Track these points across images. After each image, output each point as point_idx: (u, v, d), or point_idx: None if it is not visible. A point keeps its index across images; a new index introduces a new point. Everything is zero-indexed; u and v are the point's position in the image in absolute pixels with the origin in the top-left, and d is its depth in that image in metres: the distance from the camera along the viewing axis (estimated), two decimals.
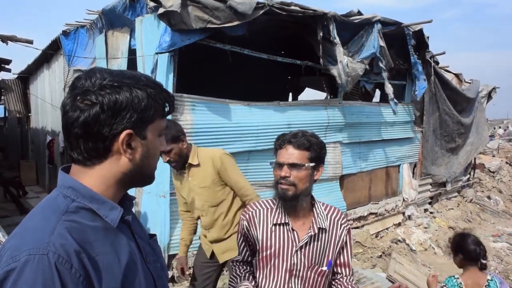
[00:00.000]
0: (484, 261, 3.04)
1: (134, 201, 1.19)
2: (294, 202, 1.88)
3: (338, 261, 2.01)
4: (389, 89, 6.94)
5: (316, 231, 1.90)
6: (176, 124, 2.91)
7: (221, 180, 2.91)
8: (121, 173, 1.04)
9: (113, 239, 1.01)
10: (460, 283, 3.01)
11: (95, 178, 1.02)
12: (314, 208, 1.96)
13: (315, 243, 1.91)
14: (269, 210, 1.99)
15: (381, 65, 6.71)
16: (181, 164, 2.90)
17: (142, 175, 1.09)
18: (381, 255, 6.67)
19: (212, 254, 3.07)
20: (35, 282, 0.83)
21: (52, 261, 0.85)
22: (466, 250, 3.06)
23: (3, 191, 10.32)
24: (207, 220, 2.99)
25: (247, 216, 2.03)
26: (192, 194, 2.98)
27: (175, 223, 4.97)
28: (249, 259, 2.07)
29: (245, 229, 2.02)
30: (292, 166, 1.85)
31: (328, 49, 6.18)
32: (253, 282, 2.00)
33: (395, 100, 7.04)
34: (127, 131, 0.99)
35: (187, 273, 3.20)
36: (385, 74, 6.85)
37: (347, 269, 2.01)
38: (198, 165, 2.89)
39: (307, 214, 1.95)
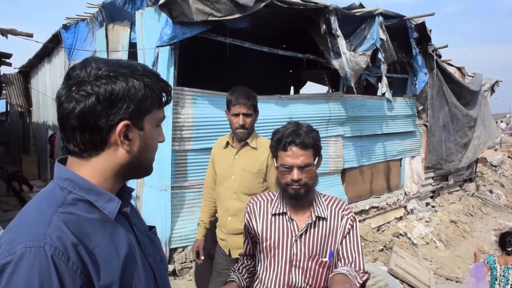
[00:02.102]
0: (509, 249, 4.50)
1: (135, 195, 1.18)
2: (306, 198, 1.88)
3: (341, 254, 1.92)
4: (385, 85, 6.90)
5: (314, 219, 1.89)
6: (255, 95, 2.84)
7: (265, 175, 2.81)
8: (119, 164, 1.02)
9: (111, 231, 1.00)
10: (495, 260, 4.55)
11: (92, 170, 1.00)
12: (313, 198, 1.96)
13: (314, 232, 1.89)
14: (269, 201, 2.00)
15: (380, 57, 6.66)
16: (246, 137, 2.81)
17: (140, 166, 1.08)
18: (382, 249, 6.67)
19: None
20: (31, 275, 0.82)
21: (49, 254, 0.84)
22: (500, 241, 4.65)
23: (6, 185, 10.34)
24: (235, 205, 2.82)
25: (248, 208, 2.05)
26: (230, 172, 2.85)
27: (176, 216, 4.97)
28: (251, 252, 2.09)
29: (246, 221, 2.04)
30: (303, 167, 1.81)
31: (330, 42, 6.15)
32: (246, 275, 2.03)
33: (391, 99, 6.99)
34: (124, 122, 0.98)
35: (202, 257, 3.06)
36: (383, 67, 6.81)
37: (352, 263, 1.90)
38: (254, 148, 2.81)
39: (306, 204, 1.94)
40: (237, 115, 2.75)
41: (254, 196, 2.09)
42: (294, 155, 1.81)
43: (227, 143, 2.92)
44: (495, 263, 4.49)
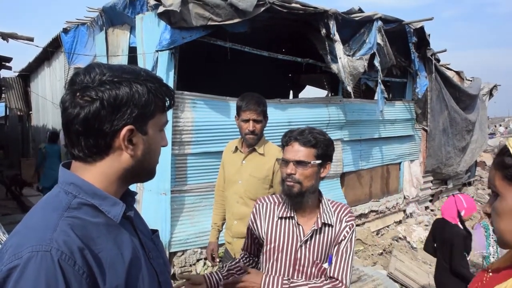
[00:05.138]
0: None
1: (135, 198, 1.19)
2: (299, 199, 1.87)
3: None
4: (380, 90, 6.92)
5: (320, 225, 1.88)
6: (265, 101, 2.89)
7: (271, 182, 2.84)
8: (123, 169, 1.03)
9: (116, 235, 1.00)
10: (487, 224, 5.38)
11: (96, 174, 1.01)
12: (320, 204, 1.95)
13: (319, 238, 1.89)
14: (276, 204, 2.01)
15: (376, 63, 6.68)
16: (255, 142, 2.84)
17: (143, 170, 1.09)
18: (382, 253, 6.67)
19: None
20: (38, 279, 0.83)
21: (55, 258, 0.85)
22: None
23: (6, 189, 10.34)
24: (241, 209, 2.86)
25: (254, 209, 2.05)
26: (237, 177, 2.89)
27: (176, 220, 4.97)
28: (250, 249, 2.12)
29: (251, 222, 2.05)
30: (298, 163, 1.84)
31: (330, 46, 6.18)
32: (246, 262, 2.06)
33: (381, 107, 6.98)
34: (128, 127, 0.99)
35: (217, 260, 3.09)
36: (379, 73, 6.82)
37: (335, 272, 1.85)
38: (262, 154, 2.84)
39: (313, 210, 1.94)
40: (247, 121, 2.79)
41: (261, 197, 2.09)
42: (293, 150, 1.87)
43: (236, 148, 2.95)
44: (488, 225, 5.59)
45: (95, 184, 1.00)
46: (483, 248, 6.09)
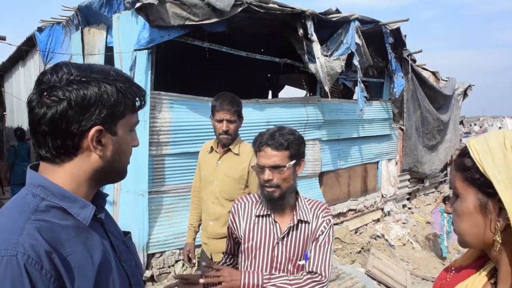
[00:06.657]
0: (446, 203, 6.81)
1: (112, 200, 1.17)
2: (281, 201, 1.88)
3: (309, 254, 1.92)
4: (361, 90, 7.00)
5: (296, 222, 1.90)
6: (240, 101, 2.87)
7: (246, 182, 2.83)
8: (92, 170, 1.01)
9: (86, 238, 0.99)
10: (443, 209, 7.36)
11: (65, 176, 0.99)
12: (297, 202, 1.96)
13: (296, 235, 1.90)
14: (253, 203, 2.02)
15: (355, 62, 6.76)
16: (229, 143, 2.83)
17: (113, 171, 1.07)
18: (360, 251, 6.74)
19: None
20: (3, 284, 0.81)
21: (21, 263, 0.83)
22: (443, 201, 8.30)
23: None
24: (216, 210, 2.85)
25: (233, 209, 2.07)
26: (213, 177, 2.88)
27: (154, 222, 4.93)
28: (233, 251, 2.13)
29: (230, 222, 2.06)
30: (274, 168, 1.84)
31: (308, 46, 6.22)
32: (229, 264, 2.10)
33: (362, 106, 7.05)
34: (97, 127, 0.97)
35: (193, 261, 3.09)
36: (359, 73, 6.90)
37: (314, 266, 1.87)
38: (237, 154, 2.83)
39: (290, 208, 1.95)
40: (221, 121, 2.77)
41: (239, 197, 2.10)
42: (267, 156, 1.85)
43: (212, 148, 2.95)
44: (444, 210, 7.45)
45: (64, 186, 0.98)
46: (439, 229, 7.89)
